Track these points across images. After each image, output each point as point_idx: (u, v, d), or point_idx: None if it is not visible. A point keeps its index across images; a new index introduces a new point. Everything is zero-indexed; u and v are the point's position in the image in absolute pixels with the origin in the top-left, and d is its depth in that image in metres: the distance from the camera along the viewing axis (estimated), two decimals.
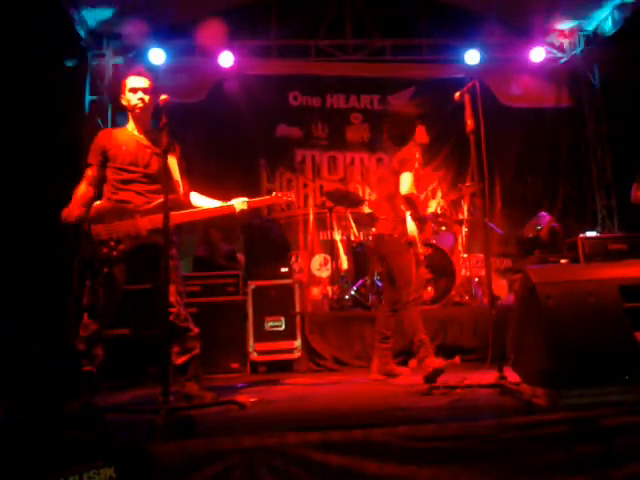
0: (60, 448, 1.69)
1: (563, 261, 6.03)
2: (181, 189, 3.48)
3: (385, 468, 2.11)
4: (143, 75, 3.44)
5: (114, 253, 3.22)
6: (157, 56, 6.86)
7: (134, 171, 3.37)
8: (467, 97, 3.41)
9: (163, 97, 2.88)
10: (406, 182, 3.93)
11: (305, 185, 7.67)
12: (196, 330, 3.38)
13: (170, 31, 6.96)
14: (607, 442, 2.19)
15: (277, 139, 7.64)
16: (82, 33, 6.59)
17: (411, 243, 4.00)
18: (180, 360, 3.32)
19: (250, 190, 7.37)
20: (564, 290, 2.56)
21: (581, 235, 6.14)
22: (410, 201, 3.95)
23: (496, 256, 7.17)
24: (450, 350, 5.11)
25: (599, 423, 2.22)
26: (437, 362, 3.73)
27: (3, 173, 4.66)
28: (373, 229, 4.31)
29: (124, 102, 3.45)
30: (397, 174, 4.00)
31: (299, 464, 2.09)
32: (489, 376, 3.12)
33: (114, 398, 3.79)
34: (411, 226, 3.98)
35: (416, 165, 4.03)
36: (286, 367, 5.13)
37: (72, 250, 3.32)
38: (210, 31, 6.80)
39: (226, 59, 7.05)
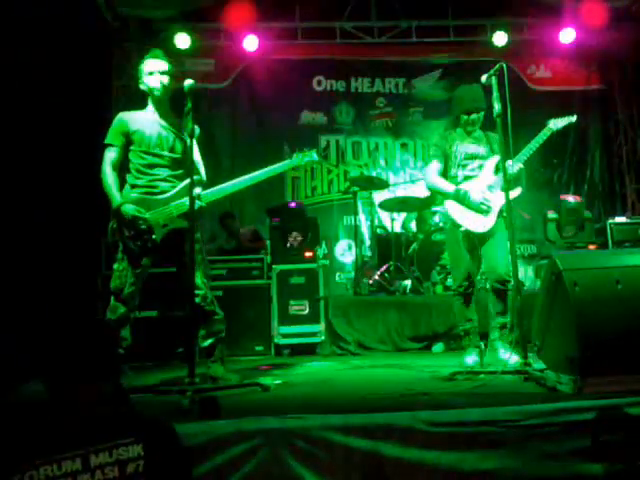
0: (90, 426, 1.74)
1: (591, 247, 5.94)
2: (202, 170, 3.49)
3: (407, 452, 2.12)
4: (161, 57, 3.41)
5: (148, 245, 3.25)
6: (183, 41, 6.86)
7: (160, 155, 3.36)
8: (493, 80, 3.35)
9: (188, 82, 2.88)
10: None
11: (329, 171, 7.65)
12: (222, 313, 3.43)
13: (195, 15, 6.96)
14: (633, 430, 2.17)
15: (301, 125, 7.62)
16: (108, 17, 6.63)
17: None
18: (206, 343, 3.37)
19: (274, 177, 7.40)
20: (591, 277, 2.52)
21: (610, 220, 6.03)
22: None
23: (521, 242, 7.09)
24: None
25: (625, 411, 2.20)
26: None
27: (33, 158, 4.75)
28: None
29: (143, 86, 3.42)
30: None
31: (321, 446, 2.11)
32: (513, 362, 3.11)
33: (142, 379, 3.86)
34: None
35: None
36: (310, 350, 5.17)
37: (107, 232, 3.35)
38: (235, 14, 6.79)
39: (251, 43, 7.02)
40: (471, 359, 3.72)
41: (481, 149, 3.91)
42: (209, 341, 3.37)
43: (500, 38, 7.13)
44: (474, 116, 3.86)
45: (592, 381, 2.40)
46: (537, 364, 2.94)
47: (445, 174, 3.94)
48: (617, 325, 2.44)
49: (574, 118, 3.95)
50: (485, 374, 3.12)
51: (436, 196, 6.58)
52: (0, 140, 4.43)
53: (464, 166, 3.89)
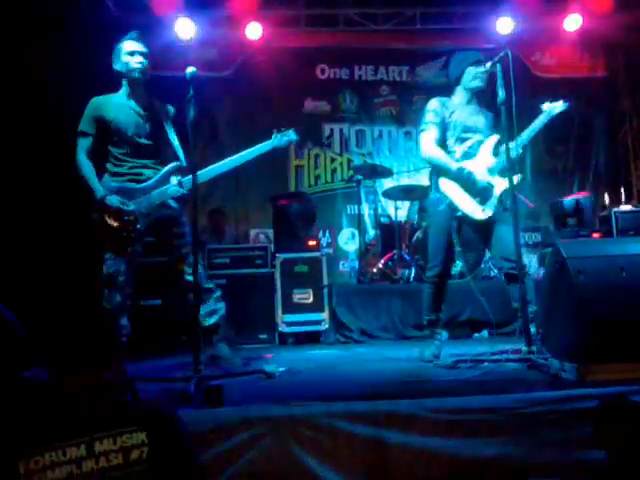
0: (94, 413, 1.75)
1: (595, 235, 5.91)
2: (181, 156, 3.40)
3: (410, 439, 2.13)
4: (141, 40, 3.37)
5: (132, 235, 3.25)
6: (185, 29, 6.80)
7: (137, 143, 3.34)
8: (498, 67, 3.32)
9: (190, 69, 2.86)
10: None
11: (333, 160, 7.62)
12: (219, 291, 3.48)
13: (198, 3, 6.90)
14: (636, 417, 2.17)
15: (304, 114, 7.58)
16: (110, 5, 6.58)
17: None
18: (209, 321, 3.40)
19: (277, 167, 7.41)
20: (595, 265, 2.52)
21: (615, 208, 5.99)
22: None
23: (525, 230, 7.06)
24: (478, 324, 5.10)
25: (628, 398, 2.20)
26: None
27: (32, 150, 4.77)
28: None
29: (118, 67, 3.35)
30: None
31: (325, 433, 2.12)
32: (517, 350, 3.11)
33: (146, 367, 3.88)
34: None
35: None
36: (314, 338, 5.19)
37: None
38: (238, 1, 6.74)
39: (254, 31, 6.97)
40: (430, 352, 3.55)
41: (480, 121, 3.56)
42: (212, 320, 3.39)
43: (505, 25, 7.06)
44: (481, 69, 3.45)
45: (595, 369, 2.40)
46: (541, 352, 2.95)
47: (442, 146, 3.55)
48: (621, 313, 2.44)
49: (564, 106, 3.63)
50: (489, 362, 3.12)
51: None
52: (3, 136, 4.46)
53: (463, 140, 3.54)
